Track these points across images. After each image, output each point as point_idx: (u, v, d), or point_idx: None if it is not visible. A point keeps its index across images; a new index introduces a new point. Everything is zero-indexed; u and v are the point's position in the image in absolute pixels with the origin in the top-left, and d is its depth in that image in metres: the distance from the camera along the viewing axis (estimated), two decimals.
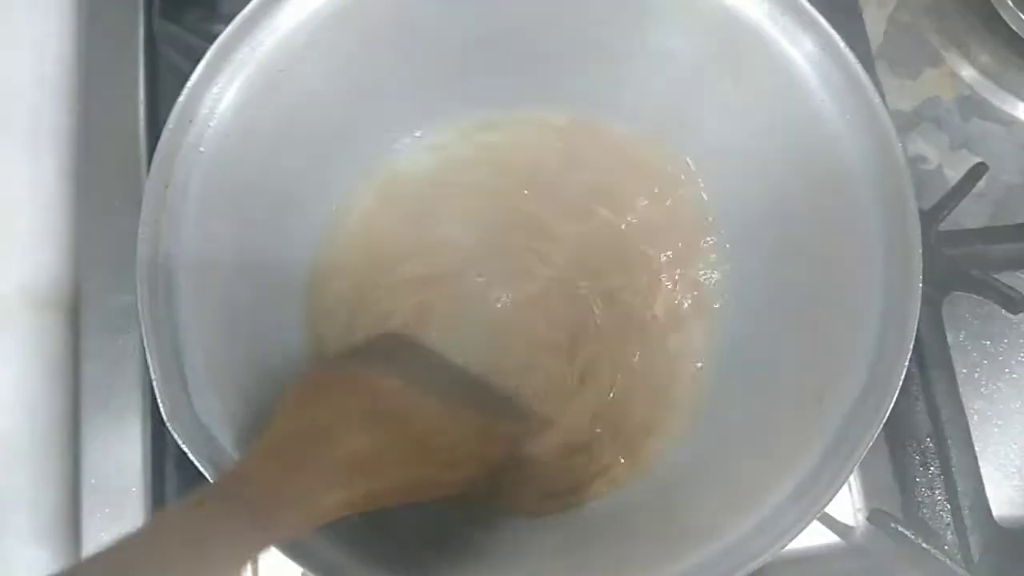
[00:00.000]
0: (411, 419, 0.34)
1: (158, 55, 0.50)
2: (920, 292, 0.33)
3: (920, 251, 0.34)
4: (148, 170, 0.35)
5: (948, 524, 0.43)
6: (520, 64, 0.43)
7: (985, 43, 0.56)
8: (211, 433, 0.33)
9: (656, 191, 0.44)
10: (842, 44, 0.36)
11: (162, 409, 0.32)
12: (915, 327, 0.33)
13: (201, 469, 0.31)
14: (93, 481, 0.42)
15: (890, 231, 0.35)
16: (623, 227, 0.44)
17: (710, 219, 0.44)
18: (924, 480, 0.44)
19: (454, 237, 0.44)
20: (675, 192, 0.44)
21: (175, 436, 0.31)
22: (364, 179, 0.44)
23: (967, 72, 0.57)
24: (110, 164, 0.47)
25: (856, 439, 0.32)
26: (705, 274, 0.44)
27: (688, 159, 0.44)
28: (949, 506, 0.43)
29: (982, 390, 0.49)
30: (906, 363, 0.33)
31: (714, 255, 0.44)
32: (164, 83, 0.50)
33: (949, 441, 0.44)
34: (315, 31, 0.37)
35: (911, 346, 0.33)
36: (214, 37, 0.36)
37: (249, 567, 0.42)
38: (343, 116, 0.41)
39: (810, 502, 0.32)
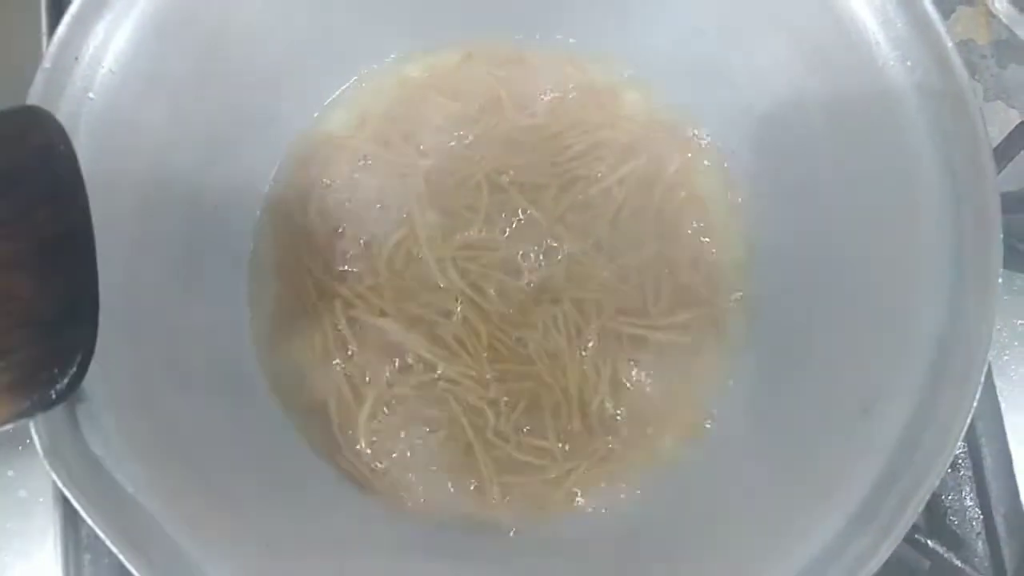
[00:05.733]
0: None
1: None
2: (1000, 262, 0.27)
3: (999, 204, 0.27)
4: None
5: (979, 533, 0.38)
6: None
7: None
8: None
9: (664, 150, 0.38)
10: None
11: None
12: (992, 324, 0.27)
13: None
14: None
15: (953, 174, 0.28)
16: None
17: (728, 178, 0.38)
18: (952, 484, 0.39)
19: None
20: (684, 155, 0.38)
21: None
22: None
23: (1002, 5, 0.50)
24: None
25: (916, 474, 0.26)
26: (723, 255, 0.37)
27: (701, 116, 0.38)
28: (981, 513, 0.38)
29: (1012, 375, 0.44)
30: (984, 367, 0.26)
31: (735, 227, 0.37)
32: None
33: (982, 440, 0.39)
34: None
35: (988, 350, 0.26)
36: None
37: None
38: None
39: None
